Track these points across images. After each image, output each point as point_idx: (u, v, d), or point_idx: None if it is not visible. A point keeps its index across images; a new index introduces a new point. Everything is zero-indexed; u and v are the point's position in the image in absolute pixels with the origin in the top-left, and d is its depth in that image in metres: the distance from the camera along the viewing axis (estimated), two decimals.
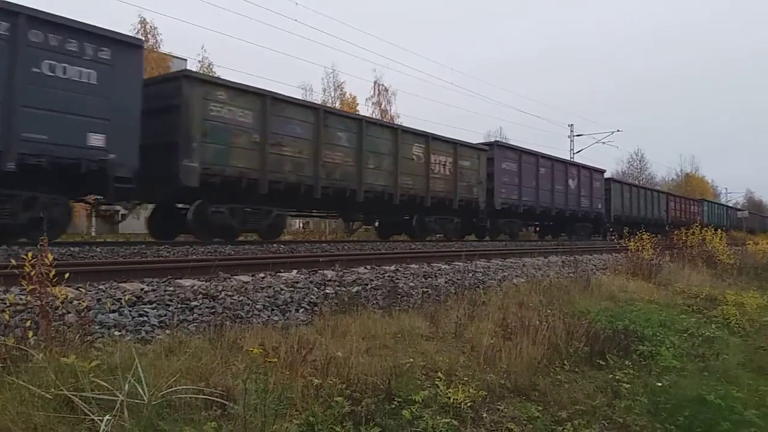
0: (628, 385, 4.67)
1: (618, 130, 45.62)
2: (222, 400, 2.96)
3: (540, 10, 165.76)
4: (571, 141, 44.59)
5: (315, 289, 6.36)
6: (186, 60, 27.32)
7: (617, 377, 4.82)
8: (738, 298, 9.29)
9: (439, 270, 8.89)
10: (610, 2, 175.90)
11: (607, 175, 32.48)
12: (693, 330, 7.00)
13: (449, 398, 3.56)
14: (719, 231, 19.13)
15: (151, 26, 26.32)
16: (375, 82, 39.11)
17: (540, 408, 3.94)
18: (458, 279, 8.36)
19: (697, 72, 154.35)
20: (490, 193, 21.11)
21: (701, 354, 6.08)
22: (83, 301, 4.09)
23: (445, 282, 7.97)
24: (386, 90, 39.34)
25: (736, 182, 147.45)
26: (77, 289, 4.39)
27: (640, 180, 61.04)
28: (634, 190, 34.50)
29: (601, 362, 5.11)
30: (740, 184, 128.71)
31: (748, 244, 22.70)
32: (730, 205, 67.06)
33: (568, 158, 27.77)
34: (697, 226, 17.83)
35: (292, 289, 6.18)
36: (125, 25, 34.24)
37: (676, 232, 18.88)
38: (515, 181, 22.45)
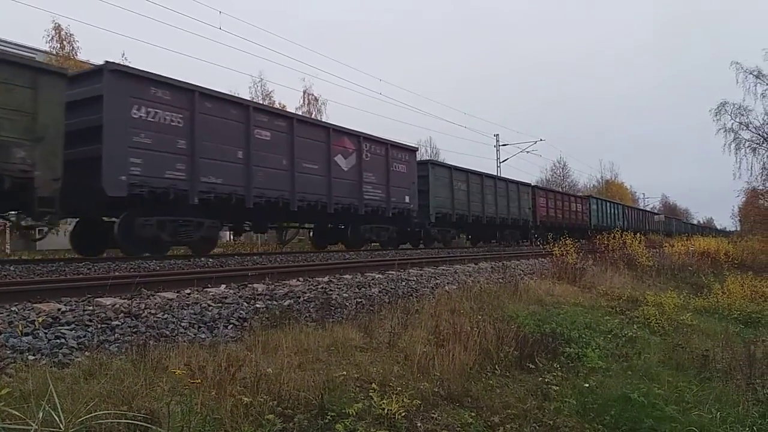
0: (557, 387, 4.80)
1: (541, 140, 47.27)
2: (146, 424, 2.82)
3: (468, 22, 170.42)
4: (497, 150, 45.82)
5: (245, 303, 6.20)
6: None
7: (546, 380, 4.95)
8: (657, 299, 9.76)
9: (372, 280, 8.87)
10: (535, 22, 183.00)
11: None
12: (617, 331, 7.29)
13: (383, 409, 3.53)
14: (638, 235, 20.09)
15: (66, 33, 25.08)
16: (304, 92, 38.71)
17: (473, 414, 3.98)
18: (392, 288, 8.37)
19: (619, 91, 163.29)
20: (94, 165, 10.49)
21: (625, 354, 6.34)
22: None
23: (379, 292, 7.96)
24: (316, 100, 39.07)
25: (653, 188, 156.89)
26: None
27: (563, 187, 62.85)
28: (475, 179, 24.69)
29: (531, 365, 5.23)
30: (657, 190, 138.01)
31: (665, 246, 23.92)
32: (648, 209, 70.26)
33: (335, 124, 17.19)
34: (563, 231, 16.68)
35: (220, 304, 6.00)
36: (38, 31, 32.71)
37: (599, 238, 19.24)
38: (178, 144, 11.85)
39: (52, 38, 24.75)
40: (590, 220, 37.12)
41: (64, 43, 24.98)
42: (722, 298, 11.44)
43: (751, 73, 30.70)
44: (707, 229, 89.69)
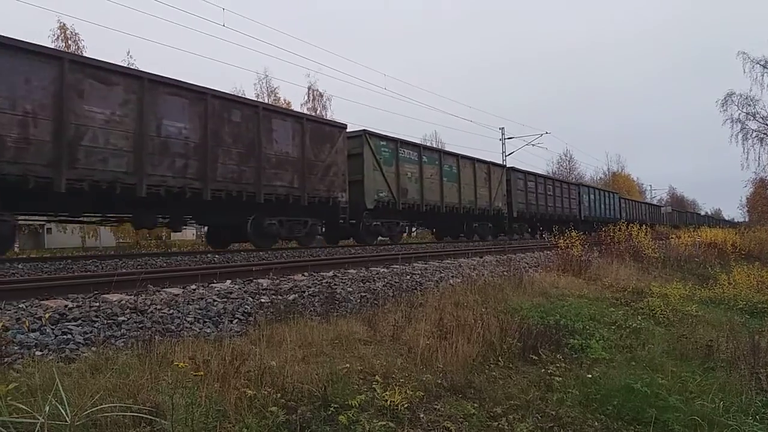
0: (560, 378, 4.80)
1: (546, 132, 47.23)
2: (150, 417, 2.86)
3: (476, 20, 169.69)
4: (503, 144, 45.72)
5: (249, 298, 6.24)
6: None
7: (550, 371, 4.95)
8: (662, 290, 9.75)
9: (377, 274, 8.90)
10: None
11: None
12: (621, 322, 7.28)
13: (386, 401, 3.57)
14: (644, 226, 20.01)
15: (71, 32, 25.20)
16: (309, 88, 38.80)
17: (476, 405, 4.00)
18: (396, 282, 8.38)
19: (623, 82, 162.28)
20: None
21: (629, 345, 6.33)
22: None
23: (384, 285, 7.99)
24: (321, 95, 39.12)
25: (661, 181, 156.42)
26: None
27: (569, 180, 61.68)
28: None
29: (534, 357, 5.24)
30: (664, 182, 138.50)
31: (672, 238, 23.82)
32: (655, 202, 69.55)
33: None
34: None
35: (225, 299, 6.05)
36: (44, 31, 32.78)
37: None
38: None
39: (58, 38, 24.93)
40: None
41: (70, 42, 25.11)
42: (728, 289, 11.41)
43: (758, 63, 30.59)
44: (714, 220, 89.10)
